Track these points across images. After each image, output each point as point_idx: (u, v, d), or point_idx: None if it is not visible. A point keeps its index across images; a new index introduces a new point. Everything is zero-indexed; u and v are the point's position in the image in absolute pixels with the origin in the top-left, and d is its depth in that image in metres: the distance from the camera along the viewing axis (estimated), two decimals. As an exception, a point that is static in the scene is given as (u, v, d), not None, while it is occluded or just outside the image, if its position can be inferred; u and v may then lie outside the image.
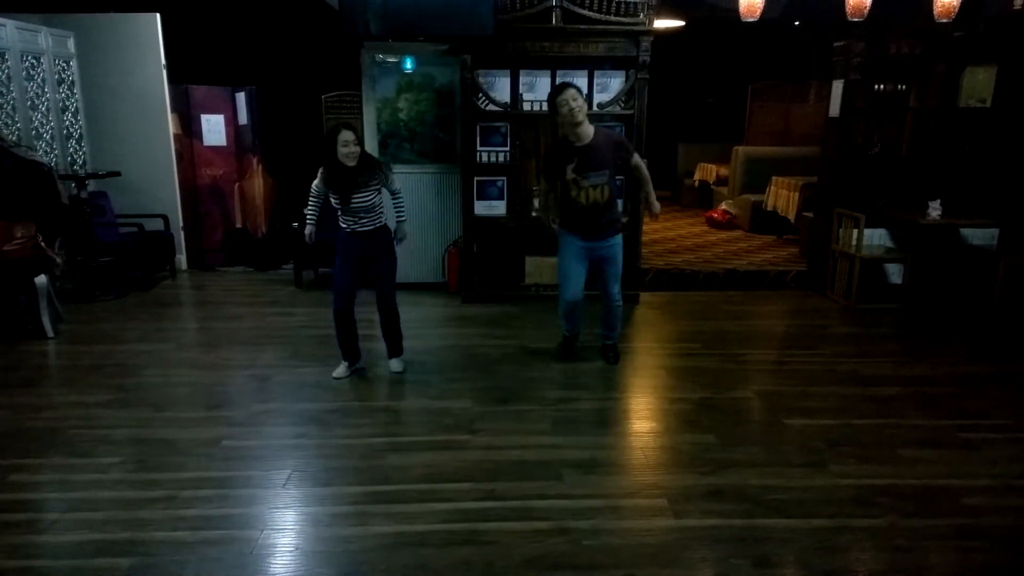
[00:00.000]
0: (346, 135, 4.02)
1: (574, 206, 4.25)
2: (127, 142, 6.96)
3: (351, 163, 4.04)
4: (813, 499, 3.16)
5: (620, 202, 6.09)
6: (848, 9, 4.96)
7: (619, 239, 4.47)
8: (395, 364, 4.61)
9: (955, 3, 4.90)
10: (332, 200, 4.19)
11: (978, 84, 6.16)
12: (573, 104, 4.02)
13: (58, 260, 5.51)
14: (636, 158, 4.44)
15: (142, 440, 3.68)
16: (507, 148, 6.09)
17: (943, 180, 6.22)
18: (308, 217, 4.38)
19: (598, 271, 4.47)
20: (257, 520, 2.99)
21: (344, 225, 4.25)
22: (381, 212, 4.29)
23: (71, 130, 6.72)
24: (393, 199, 4.41)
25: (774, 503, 3.12)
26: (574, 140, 4.15)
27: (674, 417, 4.06)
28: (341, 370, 4.50)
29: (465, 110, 5.93)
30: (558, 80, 5.98)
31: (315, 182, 4.24)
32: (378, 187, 4.21)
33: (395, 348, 4.62)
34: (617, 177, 4.37)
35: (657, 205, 4.53)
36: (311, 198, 4.33)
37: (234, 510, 3.06)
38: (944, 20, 5.04)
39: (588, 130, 4.16)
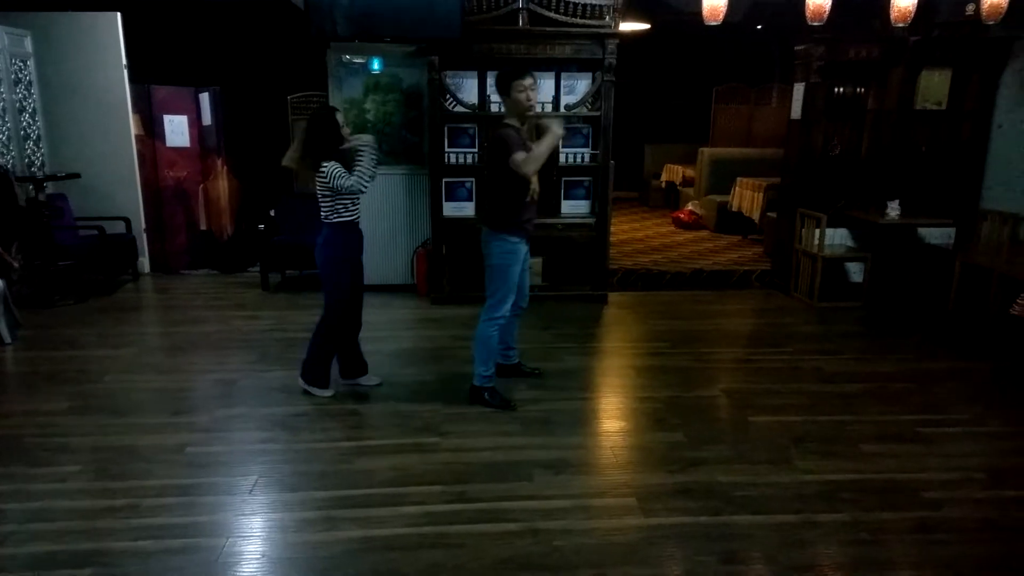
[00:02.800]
0: (341, 117, 3.98)
1: (530, 199, 3.94)
2: (87, 143, 6.81)
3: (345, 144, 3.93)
4: (779, 495, 3.20)
5: (588, 204, 6.18)
6: (808, 13, 5.03)
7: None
8: (372, 379, 4.43)
9: (911, 9, 5.01)
10: (346, 182, 3.83)
11: (933, 87, 6.31)
12: (532, 94, 3.82)
13: (15, 264, 5.39)
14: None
15: (103, 448, 3.61)
16: (475, 149, 6.08)
17: (901, 181, 6.36)
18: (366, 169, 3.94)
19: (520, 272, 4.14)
20: (223, 528, 2.95)
21: (353, 215, 4.00)
22: (331, 210, 4.02)
23: (28, 131, 6.56)
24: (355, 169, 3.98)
25: (741, 500, 3.16)
26: (520, 125, 3.90)
27: (643, 416, 4.10)
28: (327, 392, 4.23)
29: (433, 111, 5.92)
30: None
31: (340, 169, 3.86)
32: (325, 183, 3.97)
33: (315, 367, 4.29)
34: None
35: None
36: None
37: (199, 518, 3.01)
38: (900, 25, 5.15)
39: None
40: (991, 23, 5.20)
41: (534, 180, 3.89)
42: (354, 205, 3.99)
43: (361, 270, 4.18)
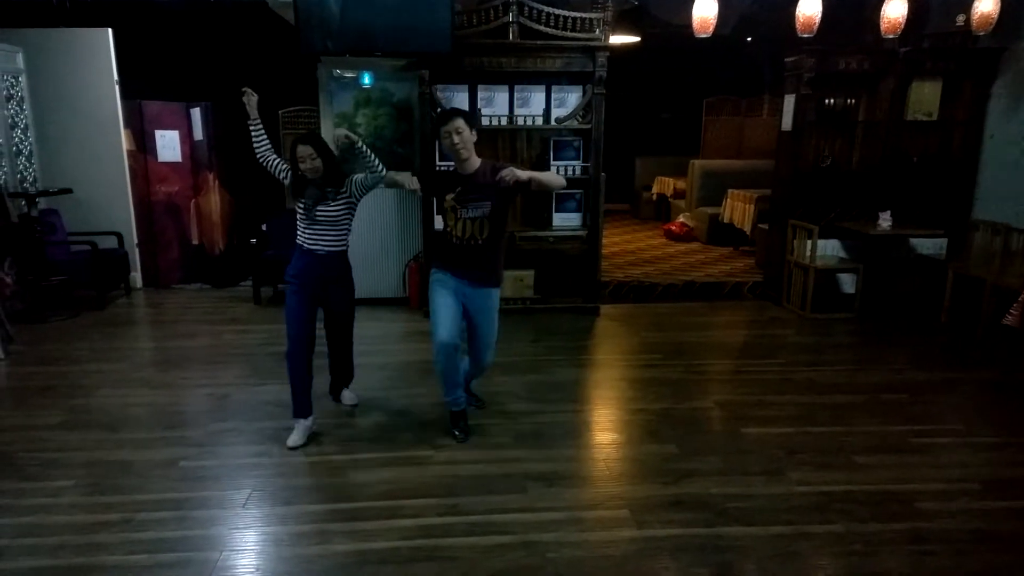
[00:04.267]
0: (302, 150, 3.64)
1: (450, 238, 3.72)
2: (79, 159, 6.81)
3: (312, 176, 3.67)
4: (772, 507, 3.21)
5: (579, 217, 6.19)
6: (798, 26, 5.09)
7: (495, 296, 3.83)
8: (349, 396, 4.31)
9: (901, 20, 5.06)
10: (298, 209, 3.79)
11: (924, 98, 6.36)
12: (456, 138, 3.55)
13: (8, 280, 5.37)
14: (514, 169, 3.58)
15: (96, 462, 3.59)
16: (467, 163, 6.09)
17: (893, 191, 6.40)
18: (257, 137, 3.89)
19: (471, 331, 3.85)
20: (216, 541, 2.93)
21: (303, 240, 3.79)
22: (346, 233, 3.87)
23: (21, 147, 6.56)
24: (371, 172, 3.81)
25: (734, 512, 3.16)
26: (460, 170, 3.69)
27: (635, 428, 4.10)
28: (299, 434, 3.80)
29: (424, 125, 5.94)
30: (515, 96, 6.04)
31: (286, 166, 3.82)
32: (348, 201, 3.78)
33: (346, 378, 4.29)
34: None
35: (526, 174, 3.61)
36: (271, 154, 3.90)
37: (192, 532, 3.00)
38: (891, 36, 5.20)
39: (475, 162, 3.66)
40: (981, 34, 5.27)
41: (452, 222, 3.70)
42: (309, 230, 3.81)
43: (312, 299, 3.89)
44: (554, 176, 3.89)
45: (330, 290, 3.91)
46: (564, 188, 3.90)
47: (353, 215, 3.87)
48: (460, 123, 3.56)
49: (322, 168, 3.68)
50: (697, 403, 4.41)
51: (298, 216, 3.81)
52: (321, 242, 3.77)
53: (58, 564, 2.76)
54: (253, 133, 3.90)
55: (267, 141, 3.92)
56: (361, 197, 3.85)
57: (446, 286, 3.74)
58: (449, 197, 3.67)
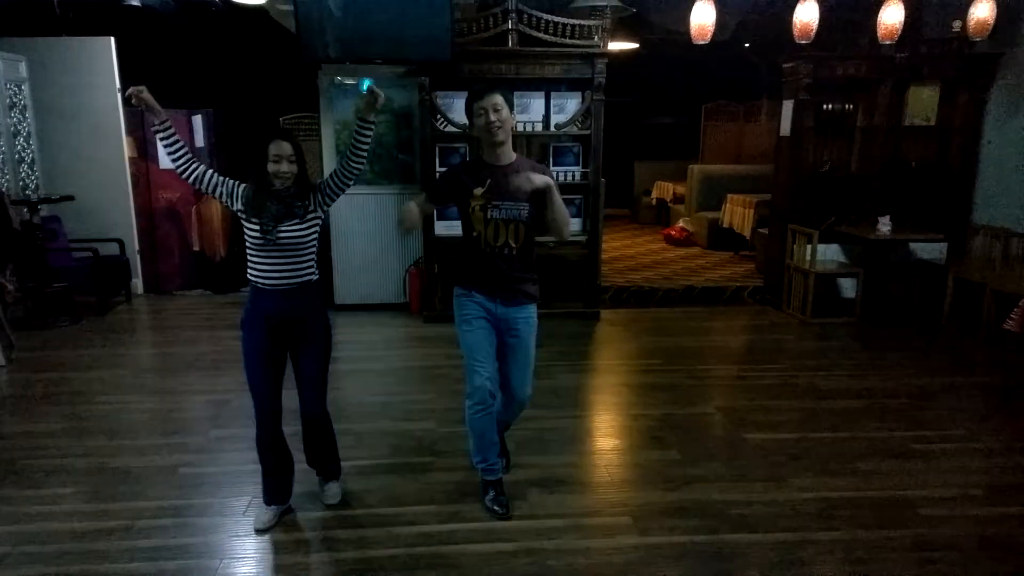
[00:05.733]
0: (280, 148, 2.84)
1: (477, 247, 3.06)
2: (81, 166, 6.82)
3: (282, 184, 2.86)
4: (775, 513, 3.20)
5: (579, 222, 6.18)
6: (796, 32, 5.10)
7: (534, 314, 3.23)
8: (333, 490, 3.30)
9: (898, 26, 5.08)
10: (249, 231, 2.90)
11: (922, 103, 6.38)
12: (493, 116, 2.95)
13: (10, 287, 5.37)
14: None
15: (96, 469, 3.59)
16: (467, 169, 6.10)
17: (892, 196, 6.41)
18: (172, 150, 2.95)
19: (502, 357, 3.19)
20: (217, 549, 2.93)
21: (257, 276, 2.92)
22: (313, 258, 3.00)
23: (23, 154, 6.57)
24: (356, 156, 2.99)
25: (737, 518, 3.16)
26: (491, 160, 3.08)
27: (637, 434, 4.09)
28: (268, 517, 3.08)
29: (424, 131, 5.96)
30: (516, 102, 6.02)
31: (232, 184, 3.00)
32: (316, 219, 2.97)
33: (330, 468, 3.30)
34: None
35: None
36: (194, 164, 2.97)
37: (193, 539, 3.00)
38: (888, 42, 5.22)
39: (509, 153, 3.09)
40: (978, 39, 5.28)
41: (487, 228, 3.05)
42: (265, 258, 2.93)
43: (275, 355, 3.07)
44: (566, 214, 3.10)
45: (298, 336, 3.02)
46: (567, 238, 3.22)
47: (317, 235, 3.02)
48: (499, 99, 2.97)
49: (294, 176, 2.88)
50: (698, 409, 4.41)
51: (249, 243, 2.91)
52: (286, 273, 2.91)
53: (59, 572, 2.76)
54: (163, 140, 2.93)
55: (186, 148, 2.98)
56: (327, 208, 3.03)
57: (479, 313, 3.12)
58: (478, 191, 3.01)
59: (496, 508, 3.18)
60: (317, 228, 2.98)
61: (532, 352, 3.25)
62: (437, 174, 5.99)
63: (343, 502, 3.28)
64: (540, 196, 3.00)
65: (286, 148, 2.84)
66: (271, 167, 2.84)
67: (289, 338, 3.01)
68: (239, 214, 2.95)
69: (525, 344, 3.20)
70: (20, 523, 3.11)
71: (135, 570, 2.78)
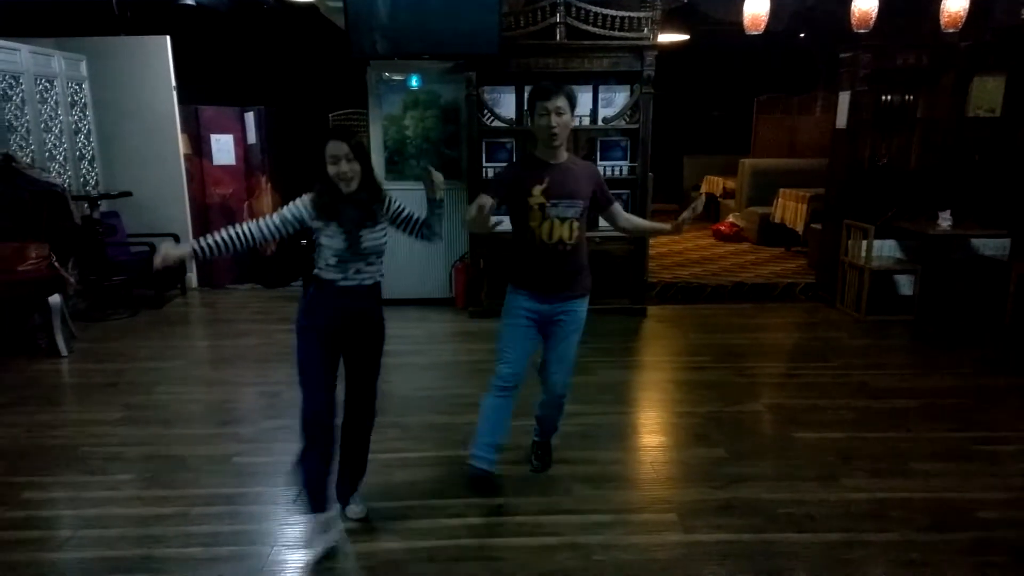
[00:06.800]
0: (335, 148, 2.70)
1: (532, 243, 3.09)
2: (138, 163, 7.02)
3: (347, 187, 2.74)
4: (825, 513, 3.14)
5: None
6: (853, 20, 4.97)
7: (584, 306, 3.26)
8: (357, 505, 3.15)
9: (962, 13, 4.91)
10: (325, 240, 2.78)
11: (987, 94, 6.16)
12: (555, 119, 2.98)
13: (71, 280, 5.55)
14: (617, 206, 3.35)
15: (153, 457, 3.70)
16: (514, 163, 6.12)
17: (953, 190, 6.21)
18: (210, 247, 2.75)
19: (548, 352, 3.30)
20: (268, 536, 3.00)
21: (334, 276, 2.81)
22: (383, 261, 2.95)
23: (84, 151, 6.80)
24: (431, 232, 2.98)
25: (785, 517, 3.10)
26: (546, 157, 3.11)
27: (683, 431, 4.05)
28: (324, 531, 2.87)
29: (471, 127, 5.97)
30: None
31: (293, 206, 2.80)
32: (386, 224, 2.91)
33: (359, 472, 3.16)
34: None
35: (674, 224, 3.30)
36: (248, 233, 2.77)
37: (245, 526, 3.07)
38: (951, 30, 5.05)
39: (564, 152, 3.14)
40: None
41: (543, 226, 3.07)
42: (345, 263, 2.82)
43: (336, 348, 2.96)
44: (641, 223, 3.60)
45: (360, 331, 2.94)
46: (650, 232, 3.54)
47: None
48: (563, 103, 2.99)
49: (359, 176, 2.76)
50: (747, 406, 4.34)
51: (327, 248, 2.78)
52: (364, 275, 2.85)
53: (118, 555, 2.86)
54: (218, 253, 2.79)
55: (231, 239, 2.77)
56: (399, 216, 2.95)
57: (525, 312, 3.18)
58: (537, 190, 3.03)
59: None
60: (386, 229, 2.92)
61: (574, 348, 3.29)
62: (484, 170, 6.02)
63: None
64: (598, 195, 3.20)
65: (342, 148, 2.70)
66: (331, 169, 2.71)
67: (350, 336, 2.92)
68: (316, 231, 2.79)
69: (569, 338, 3.24)
70: (81, 507, 3.23)
71: (190, 555, 2.86)
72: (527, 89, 5.92)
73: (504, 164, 6.07)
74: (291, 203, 2.81)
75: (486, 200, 2.98)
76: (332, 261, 2.79)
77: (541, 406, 3.45)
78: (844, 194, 6.39)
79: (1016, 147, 6.22)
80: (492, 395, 3.25)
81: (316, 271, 2.85)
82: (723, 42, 9.03)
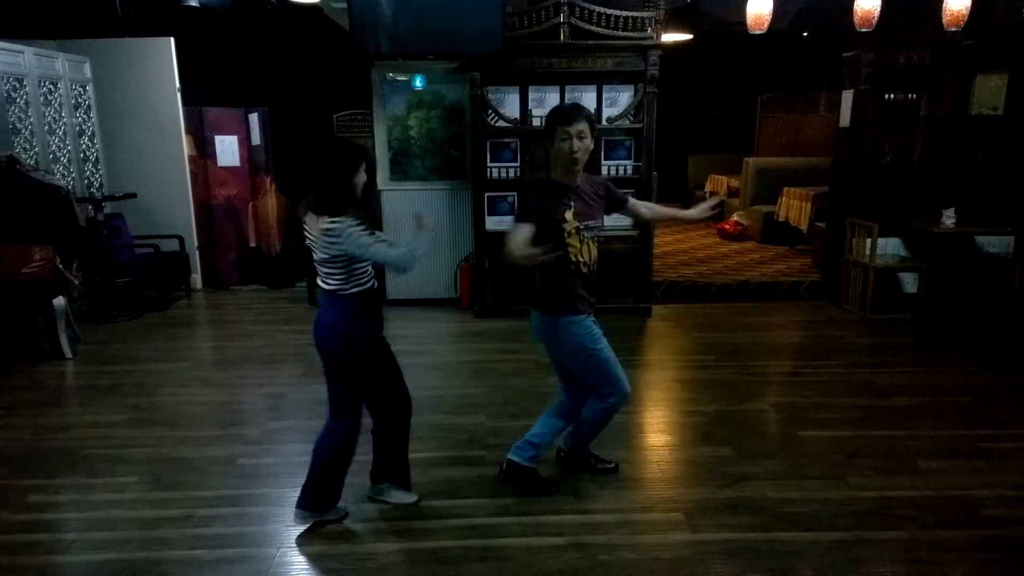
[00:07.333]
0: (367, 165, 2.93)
1: (577, 267, 3.08)
2: (143, 164, 7.04)
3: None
4: (831, 512, 3.13)
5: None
6: (856, 19, 4.97)
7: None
8: (406, 495, 3.26)
9: (964, 12, 4.90)
10: (377, 249, 2.85)
11: (990, 92, 6.14)
12: (577, 144, 2.96)
13: (75, 282, 5.57)
14: (632, 199, 3.45)
15: (158, 459, 3.70)
16: (517, 164, 6.12)
17: (957, 188, 6.19)
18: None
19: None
20: (273, 538, 3.00)
21: (371, 282, 2.95)
22: None
23: (87, 153, 6.81)
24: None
25: (792, 516, 3.10)
26: (567, 181, 3.08)
27: (689, 430, 4.05)
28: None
29: (475, 127, 5.97)
30: (567, 96, 6.01)
31: (365, 235, 2.80)
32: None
33: (404, 471, 3.26)
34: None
35: (696, 211, 3.47)
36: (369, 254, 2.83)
37: (250, 528, 3.07)
38: (953, 28, 5.04)
39: (582, 174, 3.13)
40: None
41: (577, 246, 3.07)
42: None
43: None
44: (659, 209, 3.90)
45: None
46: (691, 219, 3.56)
47: None
48: (585, 127, 2.97)
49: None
50: (753, 405, 4.33)
51: (374, 246, 2.81)
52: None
53: (123, 558, 2.86)
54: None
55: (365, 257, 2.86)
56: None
57: (600, 331, 3.22)
58: (570, 215, 3.01)
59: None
60: None
61: None
62: (488, 170, 6.02)
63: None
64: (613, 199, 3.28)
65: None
66: (361, 178, 2.88)
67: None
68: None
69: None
70: (87, 510, 3.23)
71: (196, 557, 2.86)
72: (531, 89, 6.04)
73: (509, 164, 6.10)
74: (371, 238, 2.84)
75: (527, 231, 2.96)
76: (369, 268, 2.91)
77: (583, 418, 3.38)
78: (848, 192, 6.37)
79: (1019, 145, 6.20)
80: (612, 413, 3.32)
81: (356, 288, 2.86)
82: (726, 41, 9.02)
